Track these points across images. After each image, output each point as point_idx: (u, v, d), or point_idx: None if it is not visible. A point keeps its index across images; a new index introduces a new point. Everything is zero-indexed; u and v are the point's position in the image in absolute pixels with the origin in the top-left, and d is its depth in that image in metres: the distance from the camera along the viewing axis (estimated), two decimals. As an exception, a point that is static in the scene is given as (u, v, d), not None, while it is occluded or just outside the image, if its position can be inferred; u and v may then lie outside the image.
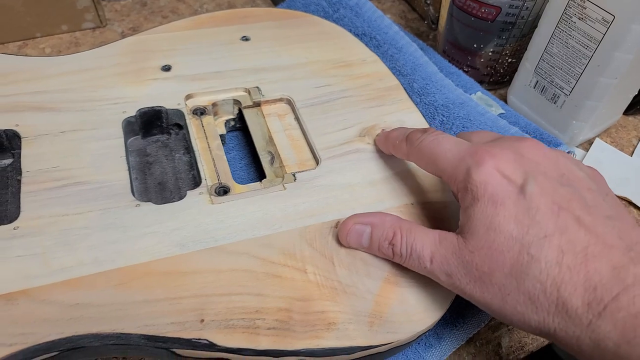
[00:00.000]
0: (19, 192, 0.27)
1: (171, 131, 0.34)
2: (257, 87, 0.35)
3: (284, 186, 0.29)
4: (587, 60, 0.35)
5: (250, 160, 0.35)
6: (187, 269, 0.25)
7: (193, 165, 0.31)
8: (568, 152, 0.37)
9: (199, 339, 0.23)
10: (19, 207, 0.26)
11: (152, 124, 0.33)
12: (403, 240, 0.25)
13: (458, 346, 0.30)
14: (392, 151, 0.30)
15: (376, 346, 0.24)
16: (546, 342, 0.32)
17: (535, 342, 0.32)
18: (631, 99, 0.41)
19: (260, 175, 0.33)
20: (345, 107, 0.34)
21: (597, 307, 0.20)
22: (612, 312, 0.19)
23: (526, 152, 0.24)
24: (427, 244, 0.24)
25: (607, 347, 0.19)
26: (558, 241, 0.21)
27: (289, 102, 0.35)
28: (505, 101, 0.44)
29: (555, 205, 0.22)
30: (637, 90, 0.40)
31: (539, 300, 0.21)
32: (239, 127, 0.36)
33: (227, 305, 0.24)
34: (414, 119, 0.35)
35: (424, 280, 0.26)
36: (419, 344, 0.29)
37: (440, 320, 0.30)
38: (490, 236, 0.22)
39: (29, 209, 0.26)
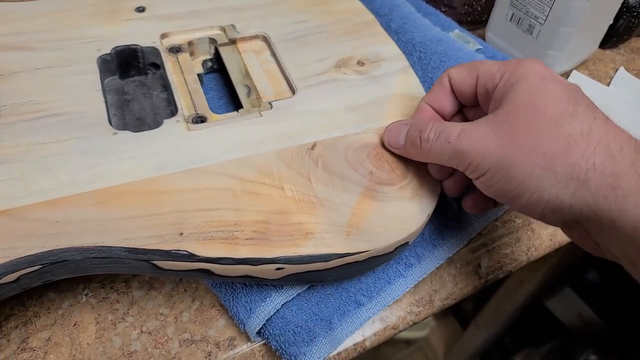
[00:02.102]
0: (-2, 127, 0.27)
1: (148, 71, 0.34)
2: (233, 24, 0.35)
3: (260, 113, 0.30)
4: (560, -15, 0.35)
5: (229, 100, 0.35)
6: (165, 189, 0.25)
7: (171, 101, 0.32)
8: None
9: (179, 250, 0.23)
10: (-2, 138, 0.26)
11: (129, 64, 0.33)
12: (434, 127, 0.25)
13: (438, 265, 0.31)
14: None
15: (353, 253, 0.25)
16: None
17: (513, 263, 0.33)
18: (606, 29, 0.41)
19: (237, 108, 0.33)
20: (321, 41, 0.35)
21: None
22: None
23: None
24: (459, 125, 0.25)
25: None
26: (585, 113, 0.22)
27: (265, 39, 0.35)
28: (484, 39, 0.44)
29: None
30: (612, 19, 0.40)
31: (576, 143, 0.21)
32: (217, 68, 0.37)
33: (205, 220, 0.24)
34: (390, 51, 0.35)
35: (401, 195, 0.27)
36: (399, 263, 0.30)
37: (419, 239, 0.30)
38: (535, 94, 0.23)
39: (7, 138, 0.26)
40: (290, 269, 0.24)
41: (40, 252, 0.22)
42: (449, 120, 0.29)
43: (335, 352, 0.28)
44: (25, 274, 0.23)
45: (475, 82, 0.27)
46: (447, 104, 0.28)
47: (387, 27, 0.40)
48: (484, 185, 0.24)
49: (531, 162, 0.22)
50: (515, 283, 0.71)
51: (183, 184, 0.25)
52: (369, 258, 0.25)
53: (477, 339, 0.91)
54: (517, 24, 0.40)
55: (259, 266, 0.24)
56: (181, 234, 0.24)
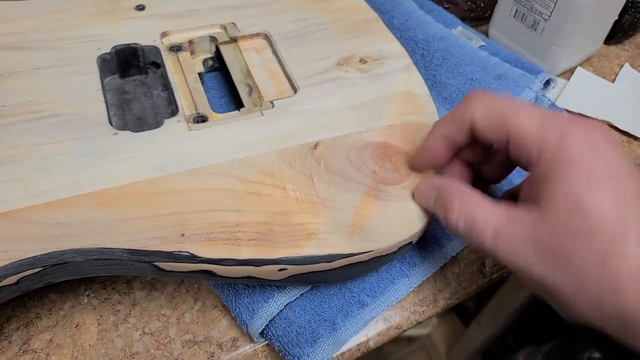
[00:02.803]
0: (-3, 127, 0.27)
1: (149, 71, 0.33)
2: (234, 23, 0.35)
3: (262, 112, 0.29)
4: (564, -19, 0.35)
5: (230, 99, 0.35)
6: (165, 190, 0.25)
7: (171, 101, 0.31)
8: (548, 81, 0.37)
9: (180, 252, 0.23)
10: (-3, 139, 0.26)
11: (129, 63, 0.33)
12: (463, 211, 0.22)
13: (442, 265, 0.31)
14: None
15: (357, 254, 0.24)
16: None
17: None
18: (611, 25, 0.40)
19: (238, 107, 0.33)
20: (323, 39, 0.34)
21: None
22: None
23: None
24: (491, 220, 0.22)
25: None
26: None
27: (266, 37, 0.35)
28: (487, 36, 0.44)
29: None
30: (617, 14, 0.40)
31: (623, 287, 0.19)
32: (217, 67, 0.36)
33: (207, 221, 0.24)
34: (393, 49, 0.35)
35: (404, 195, 0.27)
36: (402, 262, 0.29)
37: (423, 239, 0.30)
38: (581, 215, 0.19)
39: (6, 139, 0.26)
40: (293, 269, 0.24)
41: (41, 254, 0.22)
42: (463, 152, 0.26)
43: (338, 353, 0.28)
44: (26, 276, 0.22)
45: (504, 140, 0.23)
46: (463, 138, 0.25)
47: (390, 25, 0.40)
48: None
49: (578, 299, 0.20)
50: (517, 281, 0.71)
51: (184, 184, 0.25)
52: (372, 258, 0.25)
53: (479, 336, 0.90)
54: (521, 20, 0.39)
55: (261, 267, 0.24)
56: (183, 235, 0.23)
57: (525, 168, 0.23)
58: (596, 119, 0.39)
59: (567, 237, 0.20)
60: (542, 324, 0.82)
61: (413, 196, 0.26)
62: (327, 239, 0.24)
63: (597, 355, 0.66)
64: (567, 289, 0.20)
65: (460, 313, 1.02)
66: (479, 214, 0.22)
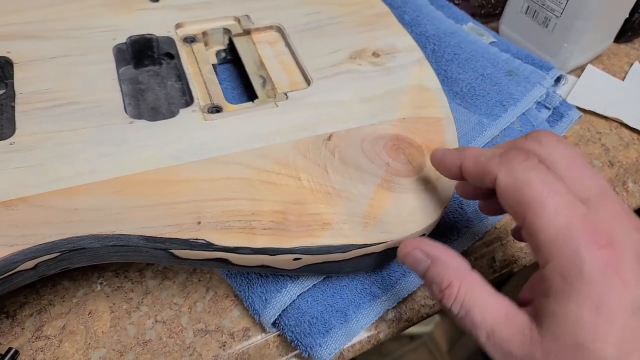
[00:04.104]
0: (14, 114, 0.27)
1: (162, 61, 0.34)
2: (247, 15, 0.35)
3: (276, 104, 0.29)
4: (577, -22, 0.35)
5: (243, 91, 0.35)
6: (182, 178, 0.25)
7: (185, 91, 0.31)
8: (559, 77, 0.38)
9: (197, 239, 0.23)
10: (15, 126, 0.26)
11: (143, 54, 0.33)
12: (460, 297, 0.21)
13: (453, 258, 0.31)
14: (467, 172, 0.23)
15: (371, 244, 0.24)
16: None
17: (527, 257, 0.33)
18: (622, 23, 0.41)
19: (252, 99, 0.33)
20: (335, 32, 0.34)
21: None
22: None
23: None
24: (489, 317, 0.20)
25: None
26: None
27: (279, 30, 0.35)
28: (497, 32, 0.44)
29: None
30: (628, 12, 0.40)
31: None
32: (230, 59, 0.36)
33: (222, 209, 0.24)
34: (405, 42, 0.35)
35: (418, 187, 0.27)
36: (414, 255, 0.30)
37: (434, 232, 0.30)
38: (580, 353, 0.18)
39: (24, 126, 0.26)
40: (307, 259, 0.24)
41: (59, 240, 0.22)
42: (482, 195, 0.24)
43: (349, 344, 0.28)
44: (43, 261, 0.23)
45: (520, 219, 0.20)
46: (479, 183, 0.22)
47: (401, 20, 0.40)
48: None
49: None
50: (521, 279, 0.71)
51: (200, 173, 0.25)
52: (386, 249, 0.25)
53: (482, 335, 0.91)
54: (533, 16, 0.39)
55: (276, 256, 0.24)
56: (199, 223, 0.24)
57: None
58: (606, 116, 0.39)
59: None
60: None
61: (398, 252, 0.24)
62: (342, 229, 0.24)
63: None
64: None
65: (463, 311, 1.03)
66: (477, 307, 0.20)
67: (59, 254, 0.23)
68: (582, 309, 0.18)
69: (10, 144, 0.25)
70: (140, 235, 0.23)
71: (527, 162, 0.20)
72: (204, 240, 0.23)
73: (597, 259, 0.18)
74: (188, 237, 0.23)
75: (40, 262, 0.22)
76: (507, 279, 0.34)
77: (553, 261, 0.19)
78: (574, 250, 0.18)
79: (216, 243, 0.23)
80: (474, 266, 0.32)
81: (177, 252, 0.24)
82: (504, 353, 0.20)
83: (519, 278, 0.69)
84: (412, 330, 1.01)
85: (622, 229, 0.19)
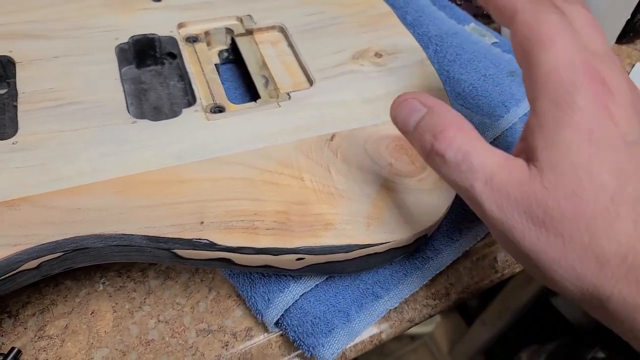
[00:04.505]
0: (16, 114, 0.27)
1: (165, 61, 0.34)
2: (249, 15, 0.35)
3: (278, 104, 0.29)
4: (580, -21, 0.35)
5: (245, 91, 0.35)
6: (184, 178, 0.25)
7: (187, 91, 0.31)
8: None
9: (200, 239, 0.23)
10: (17, 125, 0.26)
11: (145, 54, 0.33)
12: (457, 141, 0.20)
13: (455, 259, 0.31)
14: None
15: (374, 245, 0.24)
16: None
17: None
18: (624, 23, 0.40)
19: (254, 99, 0.33)
20: (337, 32, 0.34)
21: None
22: None
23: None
24: (488, 160, 0.19)
25: None
26: None
27: (282, 30, 0.35)
28: (499, 33, 0.44)
29: None
30: (630, 13, 0.40)
31: (608, 262, 0.18)
32: (232, 59, 0.36)
33: (225, 209, 0.24)
34: (407, 43, 0.35)
35: (421, 187, 0.27)
36: (416, 255, 0.30)
37: (436, 232, 0.30)
38: (578, 177, 0.18)
39: (26, 125, 0.26)
40: (310, 259, 0.24)
41: (62, 239, 0.22)
42: None
43: (351, 344, 0.28)
44: (47, 260, 0.23)
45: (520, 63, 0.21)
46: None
47: (403, 20, 0.40)
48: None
49: (558, 267, 0.19)
50: (521, 280, 0.71)
51: (202, 173, 0.25)
52: (389, 250, 0.25)
53: (483, 335, 0.91)
54: (535, 17, 0.39)
55: (279, 256, 0.24)
56: (202, 223, 0.24)
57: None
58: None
59: (561, 199, 0.18)
60: (546, 323, 0.82)
61: (392, 104, 0.22)
62: (345, 229, 0.24)
63: (601, 355, 0.66)
64: (548, 255, 0.19)
65: (463, 312, 1.03)
66: (475, 151, 0.19)
67: (62, 253, 0.23)
68: (576, 134, 0.18)
69: (13, 143, 0.25)
70: (143, 235, 0.23)
71: (551, 7, 0.21)
72: (207, 240, 0.23)
73: (592, 93, 0.19)
74: (191, 237, 0.23)
75: (44, 261, 0.22)
76: (508, 279, 0.34)
77: (548, 93, 0.19)
78: (570, 82, 0.19)
79: (219, 243, 0.23)
80: (476, 266, 0.32)
81: (180, 252, 0.24)
82: (501, 197, 0.19)
83: (521, 279, 0.69)
84: (413, 330, 1.01)
85: (622, 82, 0.20)
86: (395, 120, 0.22)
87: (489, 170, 0.19)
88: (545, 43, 0.20)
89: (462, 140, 0.20)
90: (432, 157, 0.20)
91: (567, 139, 0.18)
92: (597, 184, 0.18)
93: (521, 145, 0.21)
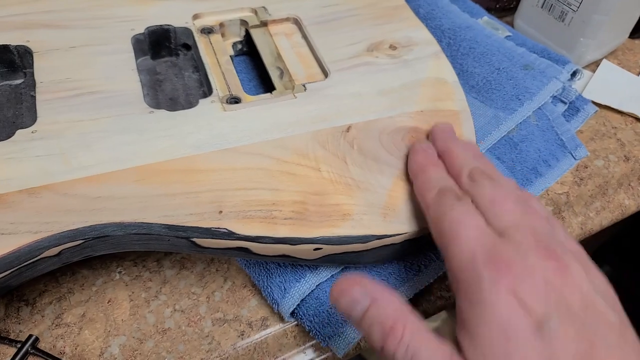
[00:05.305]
0: (34, 104, 0.27)
1: (179, 52, 0.34)
2: (264, 7, 0.35)
3: (294, 95, 0.30)
4: (595, -28, 0.35)
5: (259, 82, 0.35)
6: (203, 168, 0.25)
7: (203, 82, 0.32)
8: (575, 72, 0.37)
9: (218, 228, 0.23)
10: (35, 115, 0.26)
11: (160, 45, 0.33)
12: (405, 339, 0.19)
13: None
14: (414, 178, 0.26)
15: (390, 235, 0.25)
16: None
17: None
18: (637, 18, 0.40)
19: (268, 91, 0.33)
20: (352, 25, 0.34)
21: None
22: None
23: (552, 275, 0.20)
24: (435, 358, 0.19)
25: None
26: None
27: (296, 22, 0.35)
28: (512, 26, 0.44)
29: (579, 355, 0.18)
30: (645, 7, 0.39)
31: None
32: (246, 51, 0.36)
33: (243, 199, 0.24)
34: (422, 35, 0.35)
35: (436, 179, 0.27)
36: (430, 248, 0.30)
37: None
38: None
39: (46, 115, 0.26)
40: (328, 249, 0.24)
41: (83, 227, 0.22)
42: None
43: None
44: (67, 248, 0.23)
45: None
46: None
47: (416, 13, 0.40)
48: None
49: None
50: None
51: (220, 163, 0.25)
52: (404, 241, 0.25)
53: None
54: (549, 10, 0.39)
55: (297, 246, 0.24)
56: (220, 212, 0.24)
57: None
58: (622, 111, 0.39)
59: None
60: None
61: (331, 292, 0.21)
62: (362, 219, 0.25)
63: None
64: None
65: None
66: (423, 350, 0.19)
67: (82, 241, 0.23)
68: (492, 332, 0.18)
69: (32, 132, 0.25)
70: (162, 224, 0.23)
71: (452, 199, 0.22)
72: (226, 229, 0.23)
73: (497, 283, 0.19)
74: (210, 226, 0.23)
75: (64, 249, 0.23)
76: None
77: (461, 292, 0.20)
78: (476, 277, 0.19)
79: (238, 232, 0.23)
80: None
81: (198, 241, 0.24)
82: None
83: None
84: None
85: (530, 257, 0.20)
86: (337, 306, 0.21)
87: None
88: (450, 239, 0.21)
89: (410, 337, 0.19)
90: (381, 353, 0.20)
91: (485, 337, 0.19)
92: None
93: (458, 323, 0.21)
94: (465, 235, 0.21)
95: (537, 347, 0.18)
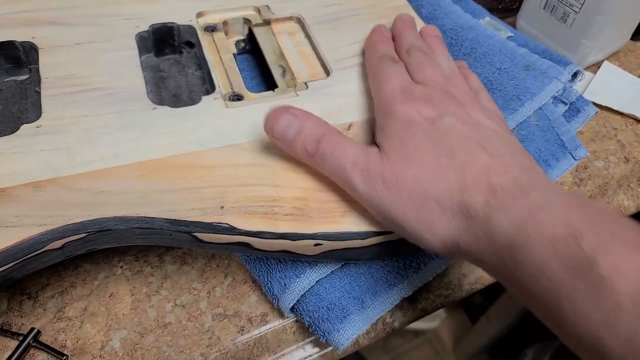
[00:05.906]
0: (39, 99, 0.27)
1: (183, 50, 0.34)
2: (267, 5, 0.35)
3: (296, 93, 0.30)
4: (597, -27, 0.35)
5: (262, 80, 0.36)
6: (205, 164, 0.25)
7: (205, 79, 0.32)
8: (576, 73, 0.38)
9: (220, 223, 0.24)
10: (40, 110, 0.27)
11: (164, 42, 0.33)
12: (329, 141, 0.25)
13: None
14: (366, 50, 0.32)
15: (390, 232, 0.25)
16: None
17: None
18: (639, 20, 0.40)
19: (270, 89, 0.33)
20: (355, 24, 0.35)
21: (495, 204, 0.21)
22: (507, 208, 0.21)
23: (454, 108, 0.26)
24: (351, 151, 0.24)
25: (500, 239, 0.21)
26: (465, 158, 0.23)
27: (299, 21, 0.35)
28: (515, 27, 0.44)
29: (462, 135, 0.24)
30: (647, 9, 0.40)
31: (444, 204, 0.22)
32: (249, 49, 0.37)
33: (245, 195, 0.25)
34: (424, 35, 0.35)
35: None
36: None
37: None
38: (405, 151, 0.24)
39: (50, 110, 0.26)
40: (328, 245, 0.24)
41: (86, 221, 0.23)
42: None
43: (364, 331, 0.29)
44: (71, 241, 0.23)
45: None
46: None
47: (418, 13, 0.40)
48: None
49: (407, 218, 0.23)
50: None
51: (223, 159, 0.26)
52: (403, 238, 0.26)
53: (488, 332, 0.91)
54: (551, 11, 0.39)
55: (297, 241, 0.24)
56: (222, 207, 0.24)
57: None
58: (622, 112, 0.39)
59: (397, 167, 0.24)
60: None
61: (266, 120, 0.25)
62: (362, 216, 0.25)
63: None
64: (401, 211, 0.23)
65: (468, 309, 1.03)
66: (346, 144, 0.25)
67: (85, 234, 0.23)
68: (398, 127, 0.25)
69: (37, 127, 0.26)
70: (165, 218, 0.23)
71: (389, 61, 0.29)
72: (227, 224, 0.24)
73: (403, 103, 0.26)
74: (212, 221, 0.24)
75: (68, 242, 0.23)
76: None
77: (380, 109, 0.27)
78: (392, 101, 0.26)
79: (239, 227, 0.24)
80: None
81: (200, 236, 0.24)
82: (362, 176, 0.24)
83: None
84: (417, 326, 1.01)
85: (435, 96, 0.26)
86: (271, 132, 0.25)
87: (353, 155, 0.24)
88: (380, 83, 0.28)
89: (336, 139, 0.25)
90: (316, 157, 0.25)
91: (392, 127, 0.25)
92: (418, 152, 0.24)
93: (374, 142, 0.27)
94: (391, 81, 0.27)
95: (429, 130, 0.24)
